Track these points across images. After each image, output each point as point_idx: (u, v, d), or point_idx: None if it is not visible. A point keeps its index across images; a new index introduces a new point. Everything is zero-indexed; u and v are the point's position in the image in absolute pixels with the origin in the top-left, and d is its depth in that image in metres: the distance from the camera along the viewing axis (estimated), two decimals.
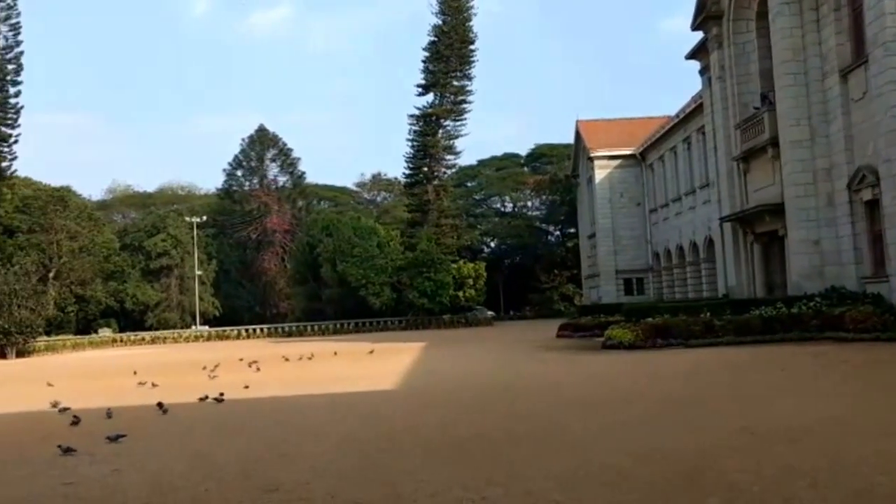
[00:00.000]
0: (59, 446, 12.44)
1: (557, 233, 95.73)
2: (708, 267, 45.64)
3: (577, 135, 65.61)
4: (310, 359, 33.09)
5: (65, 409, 17.73)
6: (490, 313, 72.02)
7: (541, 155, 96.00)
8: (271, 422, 15.13)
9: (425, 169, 75.35)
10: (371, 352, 34.91)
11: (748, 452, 9.73)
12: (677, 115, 50.50)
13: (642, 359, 24.27)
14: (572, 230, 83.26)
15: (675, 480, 8.47)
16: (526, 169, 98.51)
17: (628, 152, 59.10)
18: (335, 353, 35.38)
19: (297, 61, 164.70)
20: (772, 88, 33.28)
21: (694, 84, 46.01)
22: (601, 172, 60.04)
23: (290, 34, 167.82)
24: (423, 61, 73.79)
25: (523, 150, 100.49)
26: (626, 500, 7.90)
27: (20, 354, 52.76)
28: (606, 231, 60.07)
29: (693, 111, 46.50)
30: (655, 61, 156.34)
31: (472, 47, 73.35)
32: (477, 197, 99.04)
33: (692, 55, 42.61)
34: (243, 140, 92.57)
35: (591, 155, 60.39)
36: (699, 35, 40.46)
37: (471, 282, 67.72)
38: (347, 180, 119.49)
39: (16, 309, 51.84)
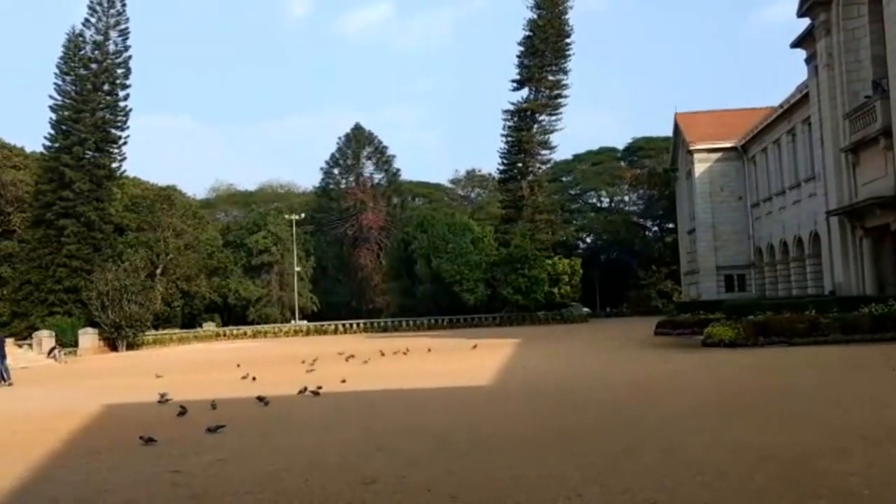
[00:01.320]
0: (141, 437, 12.99)
1: (655, 228, 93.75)
2: (813, 263, 43.91)
3: (676, 127, 64.14)
4: (405, 354, 33.47)
5: (167, 401, 18.45)
6: (586, 310, 71.07)
7: (638, 148, 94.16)
8: (368, 415, 15.33)
9: (520, 164, 74.93)
10: (474, 347, 34.96)
11: (856, 454, 9.30)
12: (781, 106, 48.65)
13: (744, 357, 23.57)
14: (671, 225, 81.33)
15: (777, 480, 8.17)
16: (623, 163, 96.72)
17: (729, 145, 57.37)
18: (429, 350, 35.61)
19: (393, 58, 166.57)
20: (884, 75, 31.58)
21: (799, 73, 44.33)
22: (701, 166, 58.49)
23: (386, 32, 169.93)
24: (518, 56, 73.41)
25: (620, 144, 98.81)
26: (728, 502, 7.66)
27: (130, 347, 55.20)
28: (706, 226, 58.51)
29: (798, 101, 44.73)
30: (757, 51, 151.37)
31: (567, 41, 72.51)
32: (572, 192, 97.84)
33: (798, 43, 40.98)
34: (340, 138, 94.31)
35: (691, 148, 58.90)
36: (805, 22, 38.87)
37: (566, 278, 66.94)
38: (441, 177, 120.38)
39: (126, 304, 54.28)
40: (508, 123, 74.53)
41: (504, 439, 11.88)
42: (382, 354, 33.14)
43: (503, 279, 64.74)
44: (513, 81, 74.07)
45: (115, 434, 14.15)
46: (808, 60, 40.51)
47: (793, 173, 47.33)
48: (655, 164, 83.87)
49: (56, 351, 44.19)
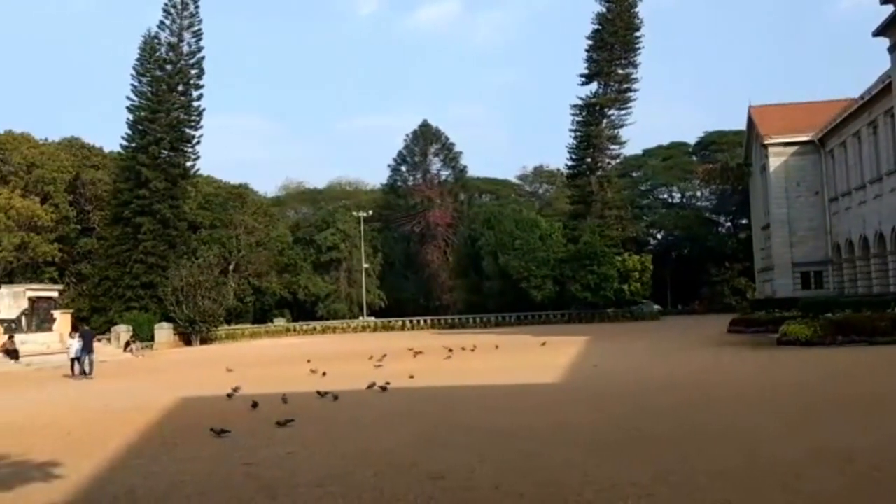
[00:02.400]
0: (212, 429, 13.32)
1: (728, 224, 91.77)
2: None
3: (750, 121, 62.51)
4: (472, 350, 33.41)
5: (233, 394, 18.79)
6: (656, 307, 69.88)
7: (710, 143, 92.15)
8: (435, 411, 15.33)
9: (588, 160, 74.15)
10: (543, 344, 34.78)
11: None
12: (862, 97, 46.93)
13: (821, 356, 22.87)
14: (744, 221, 79.45)
15: (858, 484, 7.84)
16: (694, 158, 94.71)
17: (805, 138, 55.62)
18: (497, 346, 35.46)
19: (461, 55, 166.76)
20: None
21: (881, 63, 42.61)
22: (776, 160, 56.86)
23: (454, 28, 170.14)
24: (587, 50, 72.62)
25: (691, 139, 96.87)
26: None
27: (204, 342, 56.44)
28: (781, 221, 56.85)
29: (880, 92, 43.02)
30: (834, 41, 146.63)
31: (637, 34, 71.42)
32: (643, 187, 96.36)
33: (881, 31, 39.41)
34: (407, 136, 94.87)
35: (765, 142, 57.30)
36: (889, 9, 37.39)
37: (636, 275, 65.96)
38: (509, 173, 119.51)
39: (200, 299, 55.52)
40: (577, 118, 73.85)
41: (573, 438, 11.74)
42: (450, 351, 33.12)
43: (572, 276, 64.18)
44: (581, 76, 73.41)
45: (189, 426, 14.44)
46: (891, 49, 39.00)
47: (874, 167, 45.66)
48: (729, 158, 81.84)
49: (133, 345, 45.42)
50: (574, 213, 75.57)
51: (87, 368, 29.30)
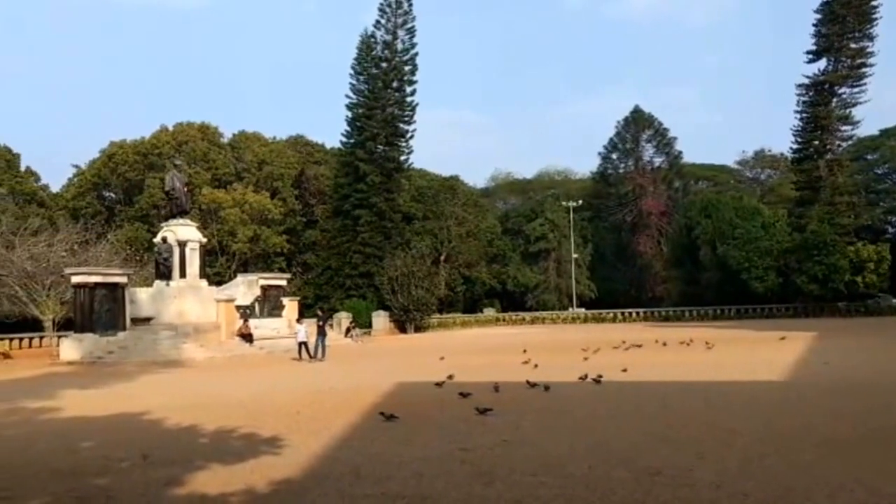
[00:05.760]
0: (382, 413, 13.70)
1: None
2: None
3: None
4: (688, 345, 32.06)
5: (444, 382, 19.07)
6: (895, 301, 63.95)
7: None
8: (651, 406, 14.81)
9: (816, 142, 68.74)
10: (782, 338, 32.87)
11: None
12: None
13: None
14: None
15: None
16: None
17: None
18: (710, 343, 33.54)
19: (670, 37, 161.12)
20: None
21: None
22: None
23: (662, 11, 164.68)
24: (815, 24, 67.19)
25: None
26: None
27: (417, 329, 58.40)
28: None
29: None
30: None
31: (873, 3, 65.28)
32: (879, 171, 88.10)
33: None
34: (618, 122, 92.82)
35: None
36: None
37: (871, 266, 60.56)
38: (727, 158, 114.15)
39: (413, 288, 57.48)
40: (803, 98, 68.61)
41: (802, 438, 10.94)
42: (664, 345, 32.01)
43: (797, 267, 60.10)
44: (808, 53, 68.10)
45: (407, 410, 14.81)
46: None
47: None
48: None
49: (353, 331, 47.77)
50: (800, 199, 70.41)
51: (316, 352, 31.06)
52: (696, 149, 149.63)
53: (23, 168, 73.37)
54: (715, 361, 24.47)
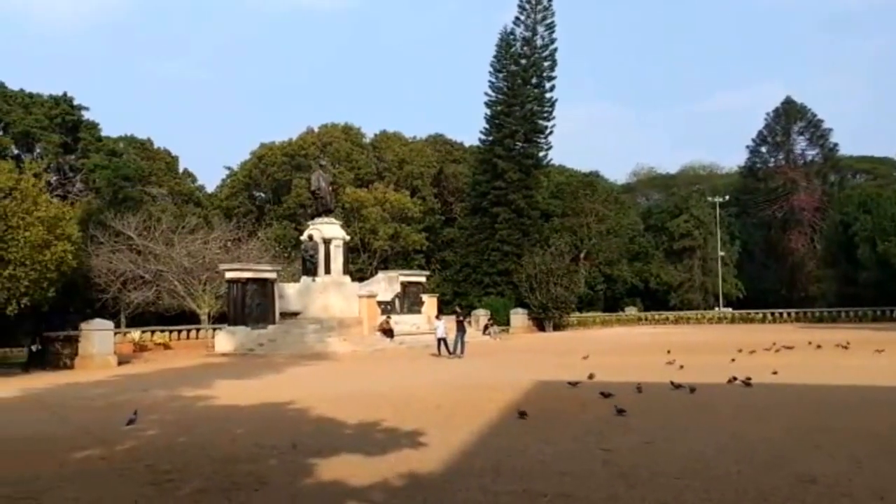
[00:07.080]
0: (522, 411, 13.65)
1: None
2: None
3: None
4: (845, 348, 30.16)
5: (578, 382, 18.78)
6: None
7: None
8: (803, 410, 14.15)
9: None
10: None
11: None
12: None
13: None
14: None
15: None
16: None
17: None
18: (878, 347, 31.33)
19: (827, 21, 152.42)
20: None
21: None
22: None
23: None
24: None
25: None
26: None
27: (556, 328, 57.87)
28: None
29: None
30: None
31: None
32: None
33: None
34: (768, 114, 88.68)
35: None
36: None
37: None
38: (888, 150, 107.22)
39: (552, 286, 56.99)
40: None
41: None
42: (818, 347, 30.34)
43: None
44: None
45: (547, 408, 14.69)
46: None
47: None
48: None
49: (491, 328, 47.91)
50: None
51: (456, 348, 31.24)
52: (853, 140, 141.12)
53: (181, 170, 78.02)
54: (877, 365, 22.95)
